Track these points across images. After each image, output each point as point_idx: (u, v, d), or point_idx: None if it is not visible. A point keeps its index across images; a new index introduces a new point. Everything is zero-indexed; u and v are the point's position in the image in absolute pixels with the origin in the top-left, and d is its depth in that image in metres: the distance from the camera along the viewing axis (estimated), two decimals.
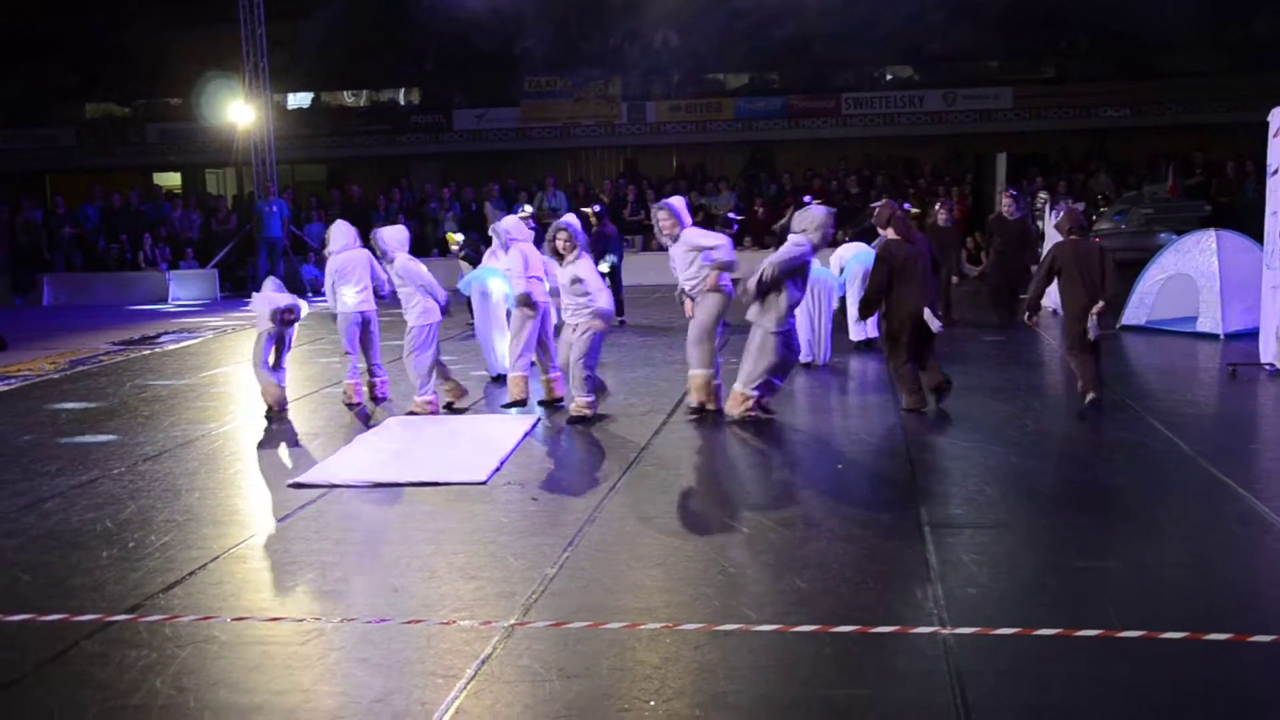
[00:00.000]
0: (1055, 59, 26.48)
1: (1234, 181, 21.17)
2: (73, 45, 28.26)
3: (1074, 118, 25.17)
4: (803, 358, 10.98)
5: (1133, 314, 12.84)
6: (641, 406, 9.20)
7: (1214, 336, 11.75)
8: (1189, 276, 12.29)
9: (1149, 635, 4.42)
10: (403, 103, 28.03)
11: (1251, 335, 10.77)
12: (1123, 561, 5.33)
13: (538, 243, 9.47)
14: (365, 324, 9.60)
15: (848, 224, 21.86)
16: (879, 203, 12.59)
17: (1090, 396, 8.24)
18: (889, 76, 26.92)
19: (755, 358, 8.28)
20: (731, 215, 16.17)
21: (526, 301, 9.03)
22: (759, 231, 22.07)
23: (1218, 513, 6.05)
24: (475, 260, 12.21)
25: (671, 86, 26.45)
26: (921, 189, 23.14)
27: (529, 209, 14.21)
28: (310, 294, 20.99)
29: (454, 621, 4.77)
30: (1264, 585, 5.07)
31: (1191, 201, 20.72)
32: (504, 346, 10.10)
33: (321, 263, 21.84)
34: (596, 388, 8.69)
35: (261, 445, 8.46)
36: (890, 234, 8.71)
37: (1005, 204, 13.65)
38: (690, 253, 8.46)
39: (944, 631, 4.51)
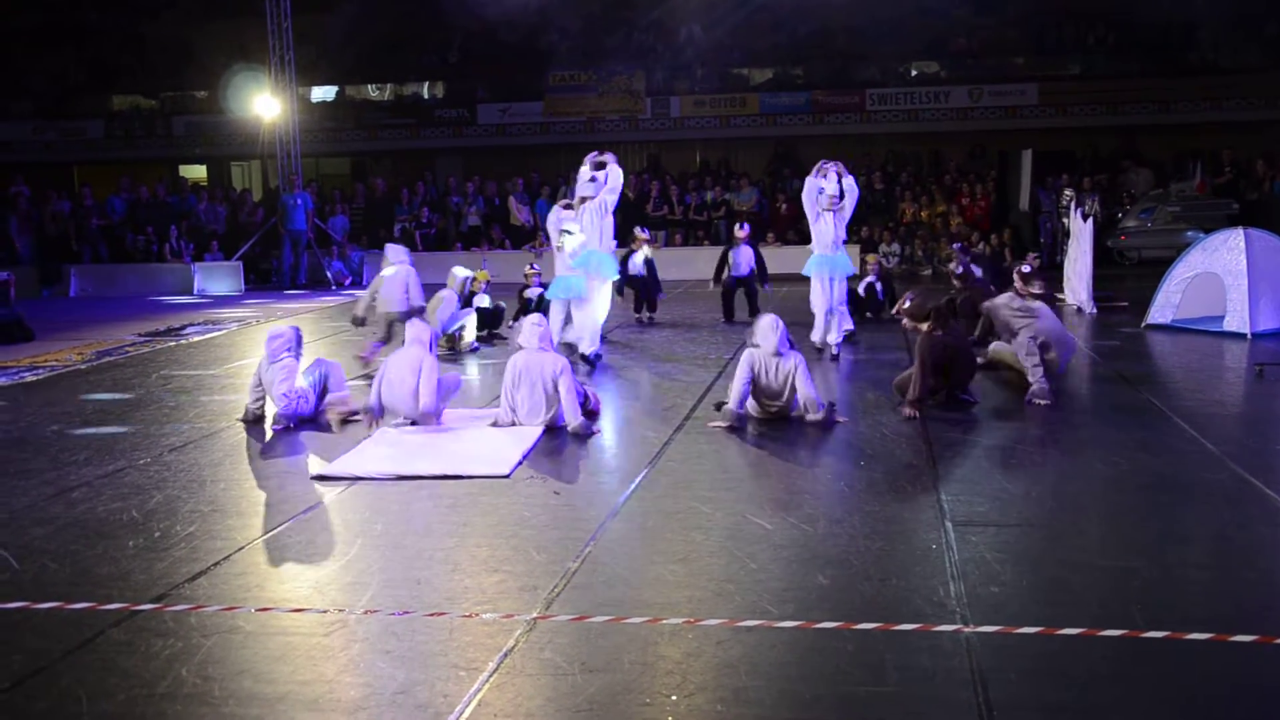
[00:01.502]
0: (1082, 55, 26.29)
1: (1263, 179, 20.98)
2: (100, 37, 28.46)
3: (1101, 114, 24.96)
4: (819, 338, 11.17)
5: (1159, 312, 12.75)
6: (665, 402, 9.21)
7: (1241, 336, 11.65)
8: (1216, 275, 12.18)
9: (1173, 636, 4.40)
10: (427, 96, 28.09)
11: (1279, 335, 10.68)
12: (1147, 561, 5.30)
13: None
14: None
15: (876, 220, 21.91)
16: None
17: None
18: (914, 72, 26.79)
19: None
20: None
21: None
22: (781, 228, 22.07)
23: (1243, 513, 6.01)
24: None
25: (696, 81, 26.41)
26: (947, 185, 23.08)
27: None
28: (335, 286, 21.17)
29: (476, 614, 4.79)
30: None
31: (1219, 199, 20.56)
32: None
33: (345, 255, 22.01)
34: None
35: (285, 437, 8.50)
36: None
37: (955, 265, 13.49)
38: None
39: (966, 629, 4.50)
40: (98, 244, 22.78)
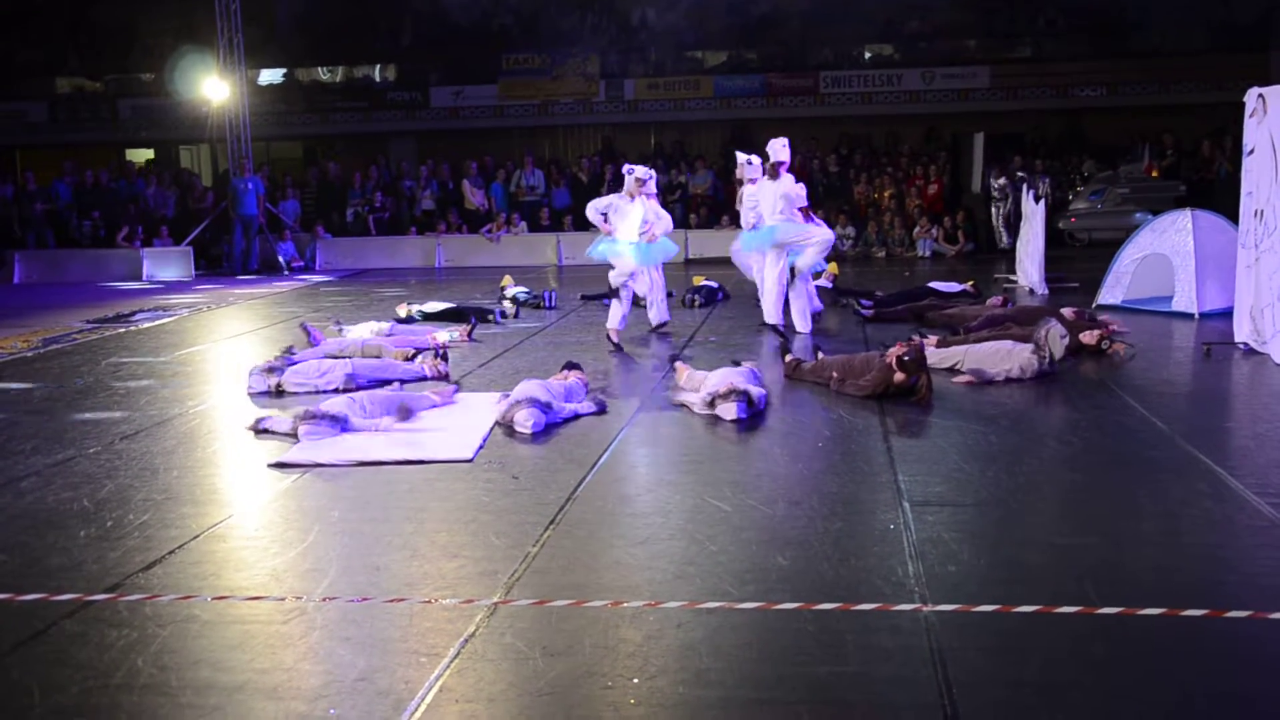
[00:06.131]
0: (1033, 38, 26.53)
1: (1209, 161, 21.28)
2: (44, 18, 27.91)
3: (1051, 97, 25.22)
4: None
5: (1109, 293, 12.92)
6: (625, 387, 9.20)
7: (1189, 316, 11.83)
8: (1164, 256, 12.36)
9: (1127, 612, 4.46)
10: (379, 79, 27.80)
11: (1226, 314, 10.86)
12: (1100, 538, 5.37)
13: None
14: None
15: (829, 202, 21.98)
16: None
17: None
18: (867, 55, 26.90)
19: None
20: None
21: None
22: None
23: (1193, 490, 6.10)
24: None
25: (650, 64, 26.35)
26: (901, 168, 23.21)
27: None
28: (286, 271, 20.95)
29: (436, 600, 4.76)
30: (1238, 561, 5.12)
31: (1167, 181, 20.85)
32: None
33: (303, 242, 21.77)
34: None
35: (240, 424, 8.40)
36: None
37: None
38: None
39: (925, 609, 4.54)
40: (42, 229, 22.36)
